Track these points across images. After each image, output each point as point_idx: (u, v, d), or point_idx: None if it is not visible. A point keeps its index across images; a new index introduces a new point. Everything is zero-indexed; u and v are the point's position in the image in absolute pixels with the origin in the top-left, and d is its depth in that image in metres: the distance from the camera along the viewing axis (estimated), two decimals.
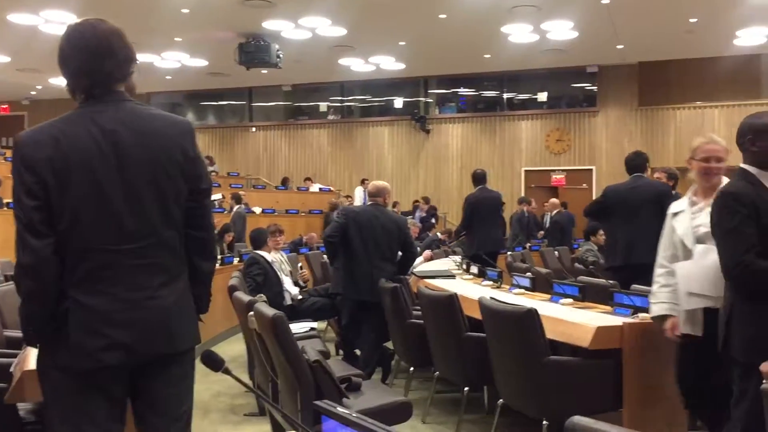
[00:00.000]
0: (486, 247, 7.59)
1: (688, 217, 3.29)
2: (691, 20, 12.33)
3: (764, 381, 2.43)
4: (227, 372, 2.00)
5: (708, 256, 3.04)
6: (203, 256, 2.21)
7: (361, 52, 15.03)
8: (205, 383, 5.09)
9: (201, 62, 15.60)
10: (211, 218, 2.24)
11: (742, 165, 2.81)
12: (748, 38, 13.34)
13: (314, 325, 5.44)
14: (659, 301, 3.35)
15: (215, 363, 2.02)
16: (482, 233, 7.83)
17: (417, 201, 15.91)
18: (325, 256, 6.95)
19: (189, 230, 2.15)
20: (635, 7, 11.64)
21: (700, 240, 3.18)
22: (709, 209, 2.98)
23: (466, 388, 4.34)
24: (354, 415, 1.27)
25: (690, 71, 15.55)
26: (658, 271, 3.41)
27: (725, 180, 3.24)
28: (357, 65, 16.03)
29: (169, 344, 2.08)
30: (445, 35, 13.33)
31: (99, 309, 1.99)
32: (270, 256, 6.31)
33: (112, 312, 1.99)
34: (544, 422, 3.56)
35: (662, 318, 3.32)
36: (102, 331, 1.98)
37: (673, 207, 3.45)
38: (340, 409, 1.30)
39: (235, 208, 12.11)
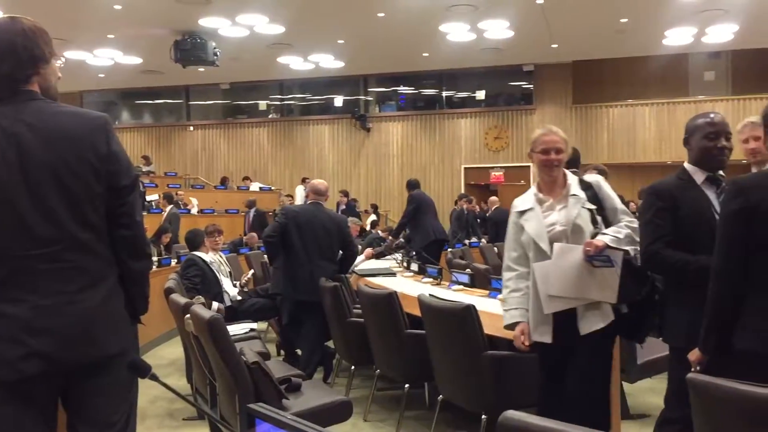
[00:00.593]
0: (438, 235, 8.63)
1: (539, 216, 3.09)
2: (622, 20, 12.69)
3: (693, 369, 2.53)
4: (154, 378, 1.94)
5: (566, 256, 2.95)
6: (132, 255, 2.12)
7: (299, 50, 14.94)
8: (141, 388, 4.96)
9: (135, 60, 15.24)
10: (138, 215, 2.13)
11: (684, 163, 2.92)
12: (676, 38, 13.80)
13: (254, 326, 5.39)
14: (511, 307, 3.14)
15: (141, 370, 1.96)
16: (431, 224, 8.86)
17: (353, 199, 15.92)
18: (265, 256, 6.89)
19: (114, 230, 2.07)
20: (568, 8, 11.91)
21: (555, 239, 3.02)
22: (560, 206, 3.06)
23: (406, 385, 4.37)
24: (288, 416, 1.26)
25: (621, 70, 16.01)
26: (506, 275, 3.21)
27: (569, 174, 3.21)
28: (296, 63, 15.92)
29: (94, 350, 2.00)
30: (384, 34, 13.37)
31: (17, 317, 1.91)
32: (208, 256, 6.21)
33: (31, 319, 1.92)
34: (483, 416, 3.61)
35: (513, 325, 3.13)
36: (21, 340, 1.91)
37: (518, 205, 3.22)
38: (273, 412, 1.29)
39: (168, 208, 11.87)
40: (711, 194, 2.78)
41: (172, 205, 11.94)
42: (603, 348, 3.02)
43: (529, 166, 16.58)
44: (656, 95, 15.85)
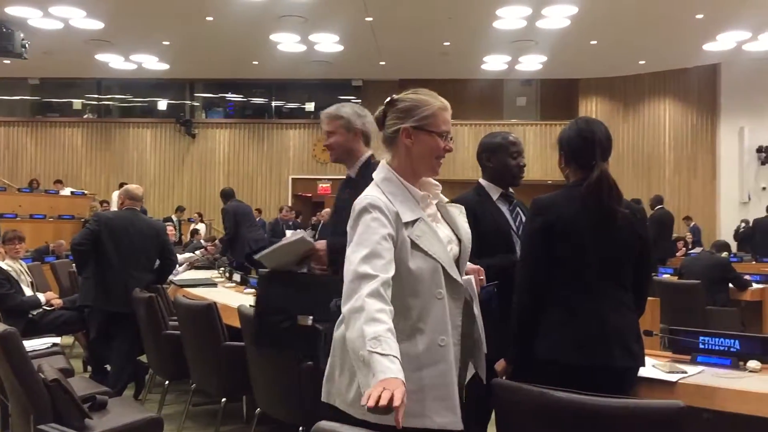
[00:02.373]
0: (253, 246, 8.49)
1: (434, 231, 2.44)
2: (446, 43, 13.35)
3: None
4: None
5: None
6: None
7: (120, 49, 14.18)
8: None
9: None
10: None
11: (479, 179, 3.08)
12: (493, 64, 14.75)
13: (57, 340, 4.97)
14: (392, 353, 2.43)
15: None
16: (246, 236, 8.83)
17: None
18: (74, 265, 6.42)
19: None
20: (396, 27, 12.32)
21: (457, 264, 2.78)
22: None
23: (223, 399, 4.24)
24: None
25: (445, 91, 16.47)
26: (374, 302, 2.03)
27: None
28: (116, 62, 15.09)
29: None
30: (212, 38, 13.05)
31: None
32: (5, 265, 5.67)
33: None
34: (301, 429, 3.59)
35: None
36: None
37: (397, 210, 2.29)
38: None
39: None
40: (505, 210, 2.98)
41: None
42: None
43: None
44: (475, 117, 16.79)
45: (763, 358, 2.75)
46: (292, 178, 17.24)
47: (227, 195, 9.33)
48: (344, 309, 1.79)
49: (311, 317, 2.65)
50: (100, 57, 14.63)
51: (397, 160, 2.11)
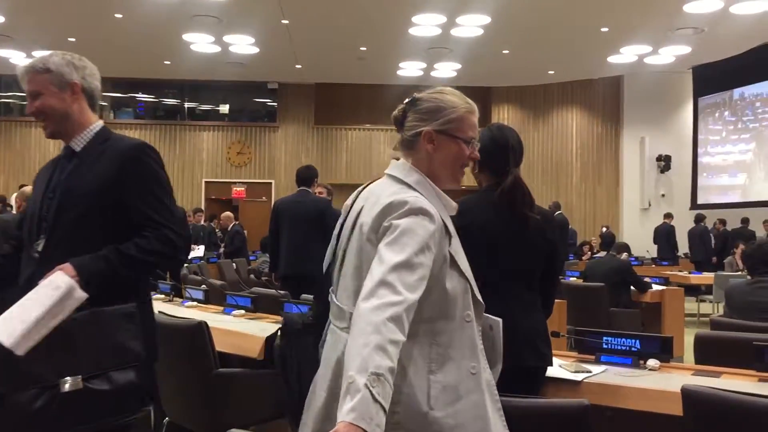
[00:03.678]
0: None
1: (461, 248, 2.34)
2: (362, 48, 13.39)
3: None
4: None
5: None
6: None
7: (22, 45, 13.49)
8: None
9: None
10: None
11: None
12: (409, 70, 14.92)
13: None
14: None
15: None
16: None
17: None
18: None
19: None
20: (312, 31, 12.27)
21: None
22: None
23: None
24: None
25: (361, 96, 16.87)
26: (395, 334, 1.83)
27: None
28: (17, 58, 14.35)
29: None
30: (122, 36, 12.61)
31: None
32: None
33: None
34: None
35: None
36: None
37: (443, 221, 1.94)
38: None
39: None
40: None
41: None
42: None
43: (271, 183, 16.70)
44: (390, 122, 16.83)
45: (662, 356, 2.89)
46: (206, 181, 16.88)
47: None
48: (361, 307, 1.56)
49: (80, 376, 1.90)
50: (0, 53, 13.90)
51: (416, 166, 1.88)
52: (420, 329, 1.69)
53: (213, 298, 5.24)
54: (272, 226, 5.99)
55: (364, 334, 1.50)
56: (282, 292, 5.04)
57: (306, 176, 6.04)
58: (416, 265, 1.62)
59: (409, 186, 1.82)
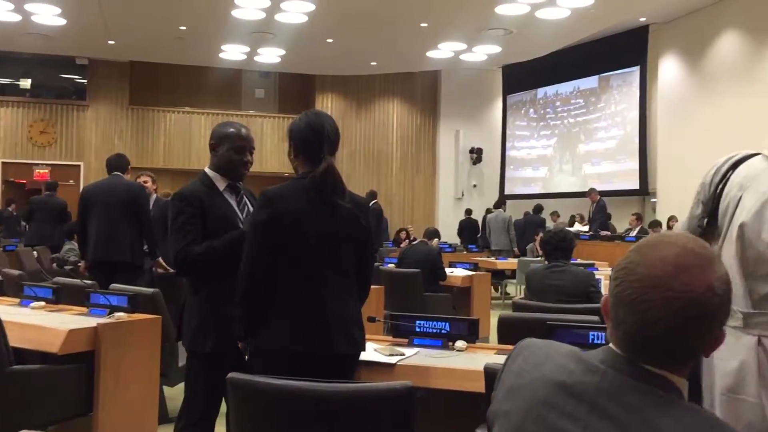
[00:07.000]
0: None
1: None
2: (182, 28, 12.84)
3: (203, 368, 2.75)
4: None
5: None
6: None
7: None
8: None
9: None
10: None
11: (205, 168, 2.97)
12: (231, 53, 14.53)
13: None
14: None
15: None
16: None
17: None
18: None
19: None
20: (127, 5, 11.57)
21: None
22: None
23: None
24: None
25: (179, 77, 16.20)
26: None
27: None
28: None
29: None
30: None
31: None
32: None
33: None
34: None
35: None
36: None
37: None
38: None
39: None
40: (232, 201, 2.92)
41: None
42: None
43: (79, 165, 15.55)
44: (211, 106, 16.42)
45: (469, 338, 3.06)
46: (3, 162, 15.39)
47: None
48: None
49: None
50: None
51: None
52: None
53: (9, 289, 4.80)
54: (80, 211, 5.65)
55: None
56: (89, 282, 4.73)
57: (118, 164, 5.84)
58: None
59: None
